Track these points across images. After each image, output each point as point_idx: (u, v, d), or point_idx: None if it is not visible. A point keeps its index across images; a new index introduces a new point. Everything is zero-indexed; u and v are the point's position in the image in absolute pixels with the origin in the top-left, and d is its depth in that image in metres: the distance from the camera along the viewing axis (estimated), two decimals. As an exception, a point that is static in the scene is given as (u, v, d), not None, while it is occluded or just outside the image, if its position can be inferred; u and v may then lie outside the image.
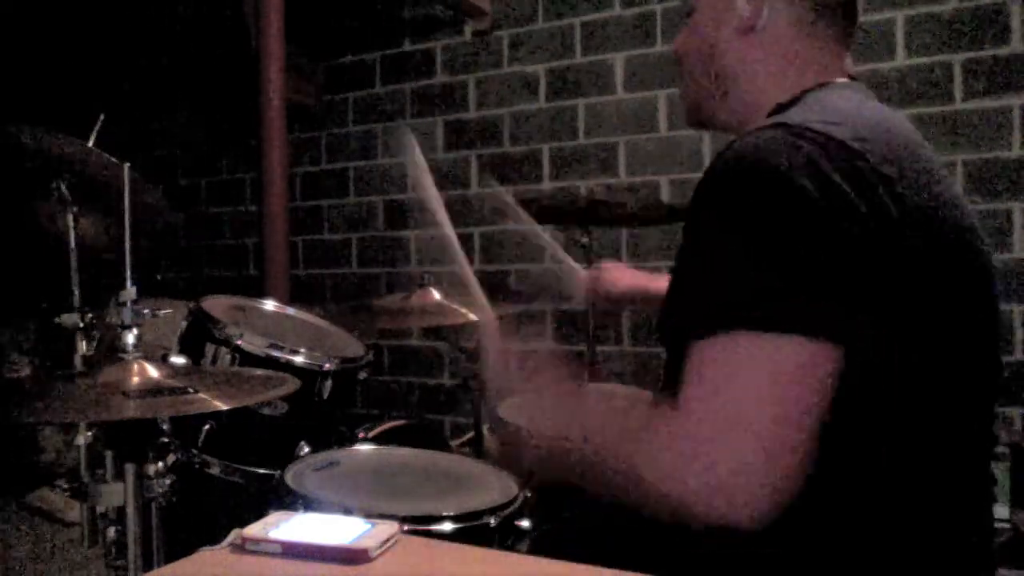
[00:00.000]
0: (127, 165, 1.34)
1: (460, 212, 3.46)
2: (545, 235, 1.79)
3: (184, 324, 1.71)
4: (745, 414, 0.77)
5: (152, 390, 1.15)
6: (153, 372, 1.21)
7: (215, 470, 1.62)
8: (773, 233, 0.79)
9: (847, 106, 0.92)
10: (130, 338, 1.23)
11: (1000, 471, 2.11)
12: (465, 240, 3.45)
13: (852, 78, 1.03)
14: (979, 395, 0.91)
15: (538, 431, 1.03)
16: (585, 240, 2.27)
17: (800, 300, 0.77)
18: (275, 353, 1.63)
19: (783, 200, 0.79)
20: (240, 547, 0.80)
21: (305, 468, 1.42)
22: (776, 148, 0.82)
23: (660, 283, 1.55)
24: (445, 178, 3.50)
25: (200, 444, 1.61)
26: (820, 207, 0.78)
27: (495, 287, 3.32)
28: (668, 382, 1.01)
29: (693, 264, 0.87)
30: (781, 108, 0.98)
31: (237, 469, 1.62)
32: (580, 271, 1.80)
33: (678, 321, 0.89)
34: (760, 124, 0.92)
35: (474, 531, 1.21)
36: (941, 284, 0.85)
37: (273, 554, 0.79)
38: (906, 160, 0.85)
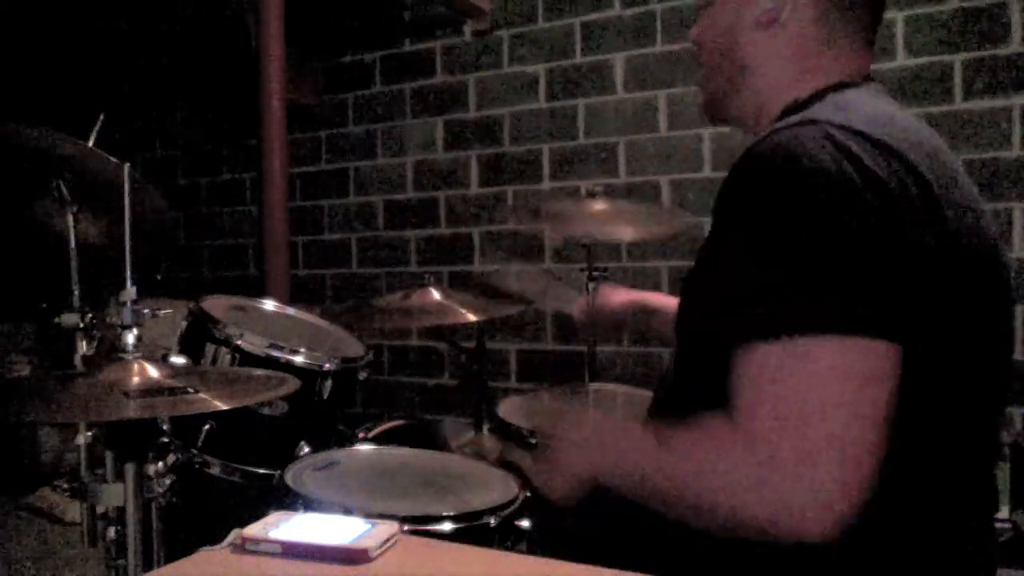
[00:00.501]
0: (127, 165, 1.34)
1: (460, 212, 3.47)
2: (538, 279, 1.77)
3: (184, 324, 1.71)
4: (818, 421, 0.74)
5: (152, 390, 1.15)
6: (153, 372, 1.20)
7: (215, 470, 1.62)
8: (826, 231, 0.77)
9: (872, 108, 0.91)
10: (130, 338, 1.22)
11: (1000, 471, 2.10)
12: (465, 240, 3.45)
13: (871, 79, 1.01)
14: (990, 400, 0.91)
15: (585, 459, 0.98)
16: (585, 241, 2.26)
17: (863, 301, 0.75)
18: (275, 353, 1.63)
19: (833, 198, 0.77)
20: (240, 547, 0.80)
21: (305, 468, 1.42)
22: (818, 145, 0.80)
23: (661, 299, 1.53)
24: (445, 178, 3.50)
25: (200, 444, 1.61)
26: (870, 205, 0.77)
27: (495, 288, 3.31)
28: (679, 379, 1.01)
29: (732, 266, 0.83)
30: (799, 105, 0.96)
31: (237, 469, 1.62)
32: (579, 298, 1.80)
33: (716, 324, 0.85)
34: (784, 121, 0.90)
35: (474, 531, 1.21)
36: (967, 287, 0.84)
37: (273, 554, 0.79)
38: (936, 162, 0.85)
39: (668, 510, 0.86)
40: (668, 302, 1.48)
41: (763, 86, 1.01)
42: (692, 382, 0.96)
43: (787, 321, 0.76)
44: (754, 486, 0.76)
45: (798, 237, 0.78)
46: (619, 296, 1.62)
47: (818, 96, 0.95)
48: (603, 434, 0.99)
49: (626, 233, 2.06)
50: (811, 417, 0.74)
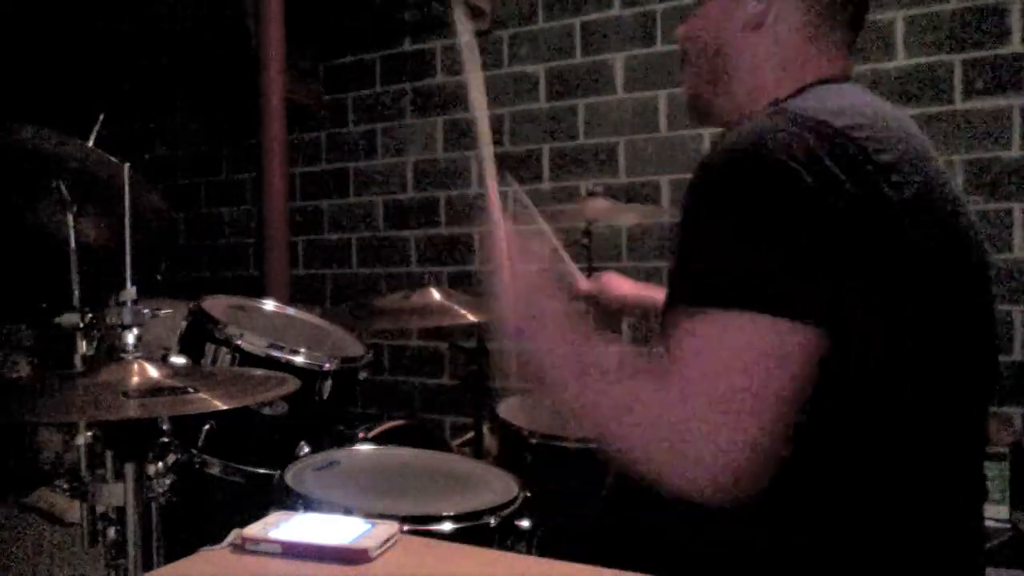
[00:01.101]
0: (127, 165, 1.34)
1: (460, 212, 3.47)
2: (553, 237, 1.76)
3: (184, 324, 1.71)
4: (722, 383, 0.78)
5: (152, 390, 1.15)
6: (153, 372, 1.20)
7: (215, 470, 1.62)
8: (764, 216, 0.80)
9: (845, 98, 0.93)
10: (130, 338, 1.22)
11: (1000, 471, 2.10)
12: (465, 240, 3.45)
13: (849, 80, 1.03)
14: (970, 393, 0.91)
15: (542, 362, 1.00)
16: (585, 241, 2.27)
17: (786, 282, 0.78)
18: (275, 353, 1.63)
19: (776, 184, 0.80)
20: (240, 547, 0.81)
21: (305, 468, 1.42)
22: (772, 133, 0.83)
23: (662, 297, 1.54)
24: (445, 178, 3.50)
25: (200, 444, 1.61)
26: (813, 192, 0.79)
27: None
28: None
29: (687, 244, 0.87)
30: (778, 103, 0.98)
31: (237, 469, 1.62)
32: (579, 275, 1.79)
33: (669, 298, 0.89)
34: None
35: (474, 531, 1.21)
36: (935, 276, 0.85)
37: (273, 554, 0.79)
38: (903, 150, 0.85)
39: (589, 428, 0.93)
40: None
41: (747, 87, 1.03)
42: None
43: (708, 293, 0.81)
44: (662, 425, 0.81)
45: (732, 219, 0.82)
46: (622, 286, 1.63)
47: (797, 93, 0.97)
48: (567, 349, 0.98)
49: (627, 219, 2.09)
50: (712, 384, 0.79)
